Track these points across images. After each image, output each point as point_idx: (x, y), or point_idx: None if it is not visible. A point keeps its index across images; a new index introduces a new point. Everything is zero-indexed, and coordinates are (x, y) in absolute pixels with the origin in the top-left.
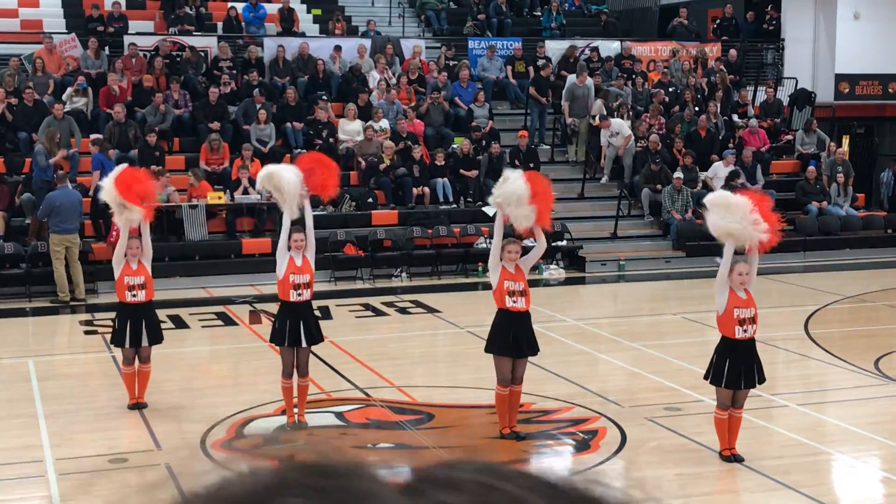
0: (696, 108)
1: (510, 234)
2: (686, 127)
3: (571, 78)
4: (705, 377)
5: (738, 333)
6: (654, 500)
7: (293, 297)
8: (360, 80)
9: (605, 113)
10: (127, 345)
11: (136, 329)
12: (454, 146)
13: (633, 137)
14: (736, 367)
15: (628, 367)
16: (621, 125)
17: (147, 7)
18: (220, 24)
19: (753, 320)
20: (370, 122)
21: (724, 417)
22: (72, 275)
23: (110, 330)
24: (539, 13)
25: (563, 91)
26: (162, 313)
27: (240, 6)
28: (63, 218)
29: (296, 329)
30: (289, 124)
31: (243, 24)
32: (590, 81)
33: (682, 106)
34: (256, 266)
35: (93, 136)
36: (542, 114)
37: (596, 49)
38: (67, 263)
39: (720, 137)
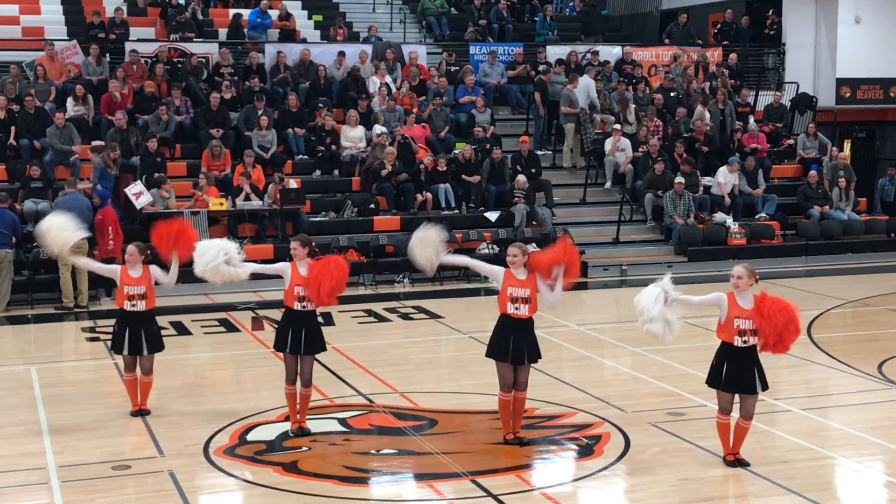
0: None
1: (517, 238)
2: (683, 127)
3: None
4: (706, 381)
5: (738, 343)
6: None
7: (297, 307)
8: (358, 86)
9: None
10: (125, 352)
11: (135, 337)
12: (456, 151)
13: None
14: (734, 371)
15: (631, 372)
16: (627, 144)
17: (148, 14)
18: (220, 31)
19: (754, 332)
20: (376, 127)
21: (726, 422)
22: (77, 281)
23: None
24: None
25: (560, 97)
26: (164, 320)
27: (246, 12)
28: None
29: (297, 336)
30: (290, 130)
31: (246, 29)
32: (581, 84)
33: (690, 111)
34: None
35: (93, 143)
36: (545, 119)
37: (597, 53)
38: (74, 269)
39: (721, 141)
